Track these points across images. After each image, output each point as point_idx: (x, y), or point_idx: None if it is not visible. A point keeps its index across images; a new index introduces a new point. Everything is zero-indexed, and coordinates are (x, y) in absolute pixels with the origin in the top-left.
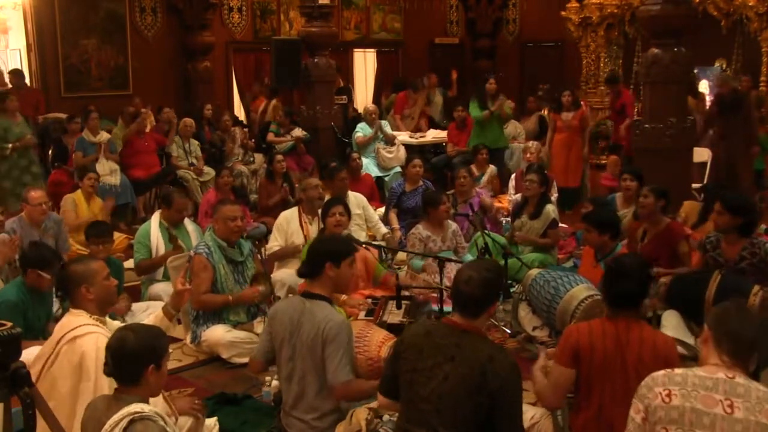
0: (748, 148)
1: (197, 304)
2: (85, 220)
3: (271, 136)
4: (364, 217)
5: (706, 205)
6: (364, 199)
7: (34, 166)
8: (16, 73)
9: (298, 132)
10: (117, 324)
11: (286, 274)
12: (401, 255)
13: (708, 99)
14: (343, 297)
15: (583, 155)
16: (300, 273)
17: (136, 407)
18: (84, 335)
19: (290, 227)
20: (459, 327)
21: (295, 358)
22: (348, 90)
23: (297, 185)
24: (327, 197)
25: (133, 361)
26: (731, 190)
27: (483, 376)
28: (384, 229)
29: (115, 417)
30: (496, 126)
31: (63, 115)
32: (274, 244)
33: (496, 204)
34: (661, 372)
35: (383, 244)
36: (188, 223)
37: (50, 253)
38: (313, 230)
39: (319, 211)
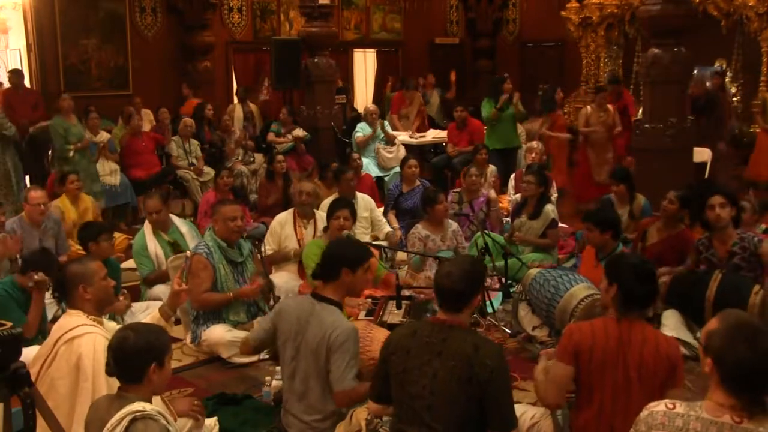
0: (722, 147)
1: (198, 304)
2: (74, 223)
3: (271, 136)
4: (371, 219)
5: (693, 206)
6: (372, 202)
7: (91, 166)
8: (15, 73)
9: (298, 132)
10: (114, 325)
11: (281, 280)
12: (402, 255)
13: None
14: None
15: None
16: (315, 275)
17: (138, 406)
18: (82, 335)
19: (284, 231)
20: (444, 323)
21: (298, 359)
22: (346, 90)
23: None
24: (328, 198)
25: (135, 359)
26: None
27: (471, 367)
28: (387, 228)
29: (117, 416)
30: (509, 125)
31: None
32: (268, 248)
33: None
34: (662, 408)
35: (384, 243)
36: (181, 224)
37: (47, 258)
38: (308, 234)
39: (316, 212)
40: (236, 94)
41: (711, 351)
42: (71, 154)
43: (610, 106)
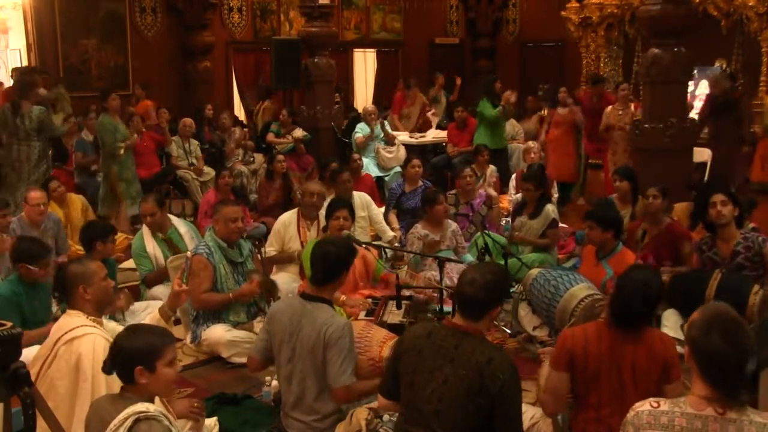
0: (740, 148)
1: (198, 304)
2: (71, 225)
3: (270, 137)
4: (368, 217)
5: (697, 205)
6: (369, 199)
7: (134, 166)
8: (16, 72)
9: (298, 132)
10: (114, 326)
11: (281, 281)
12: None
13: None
14: (343, 297)
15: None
16: (315, 281)
17: (141, 407)
18: (81, 336)
19: (288, 232)
20: (460, 329)
21: (294, 360)
22: (339, 89)
23: (297, 185)
24: (328, 198)
25: (124, 361)
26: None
27: (482, 379)
28: (390, 234)
29: (120, 416)
30: (500, 126)
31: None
32: (270, 249)
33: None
34: (646, 408)
35: (384, 244)
36: (179, 224)
37: (36, 246)
38: (312, 236)
39: (320, 213)
40: (240, 91)
41: (688, 340)
42: (122, 152)
43: (632, 105)
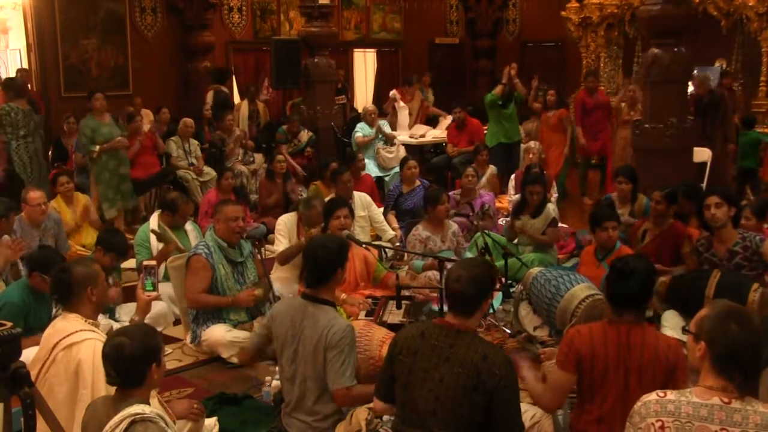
0: (727, 147)
1: (193, 303)
2: (75, 223)
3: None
4: (368, 217)
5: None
6: (369, 199)
7: (122, 167)
8: (23, 72)
9: (305, 136)
10: (107, 322)
11: (281, 282)
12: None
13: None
14: (343, 296)
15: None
16: (308, 283)
17: (137, 408)
18: (81, 342)
19: (291, 233)
20: (453, 327)
21: (297, 362)
22: (345, 90)
23: (299, 188)
24: (327, 198)
25: (136, 365)
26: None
27: (478, 376)
28: (390, 233)
29: (116, 418)
30: (514, 119)
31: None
32: (280, 247)
33: (497, 204)
34: (653, 397)
35: (385, 244)
36: (186, 223)
37: (55, 256)
38: None
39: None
40: (240, 91)
41: (704, 334)
42: (95, 155)
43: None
